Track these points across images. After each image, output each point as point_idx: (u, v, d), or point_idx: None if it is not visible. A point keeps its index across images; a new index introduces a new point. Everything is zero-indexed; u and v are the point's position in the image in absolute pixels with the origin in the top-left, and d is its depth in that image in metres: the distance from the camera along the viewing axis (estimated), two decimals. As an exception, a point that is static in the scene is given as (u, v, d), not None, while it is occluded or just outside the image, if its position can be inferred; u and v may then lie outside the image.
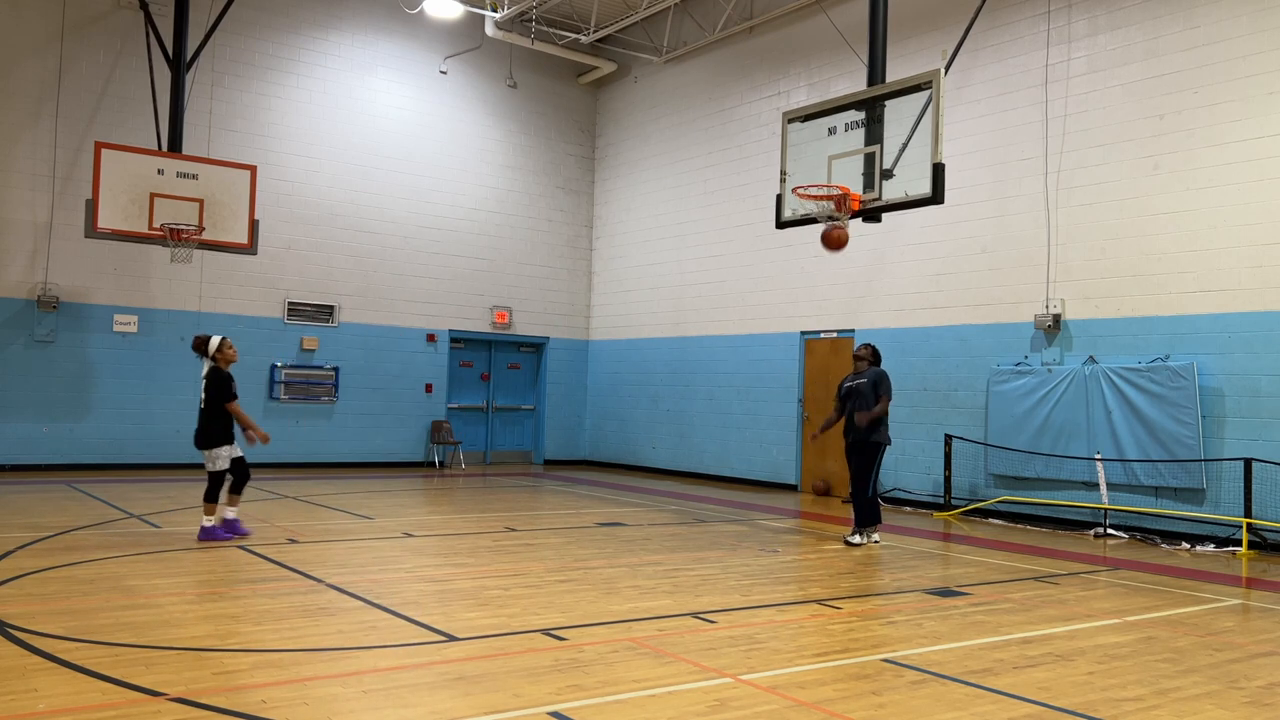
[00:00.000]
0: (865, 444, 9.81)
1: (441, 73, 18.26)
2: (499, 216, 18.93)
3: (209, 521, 8.62)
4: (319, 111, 17.00)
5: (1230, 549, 10.12)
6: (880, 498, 13.74)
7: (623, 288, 19.26)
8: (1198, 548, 10.29)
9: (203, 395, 8.62)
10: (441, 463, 17.96)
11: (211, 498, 8.68)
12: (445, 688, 4.64)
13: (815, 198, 10.16)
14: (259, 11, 16.42)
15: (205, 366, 8.67)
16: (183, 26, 14.13)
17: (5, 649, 5.01)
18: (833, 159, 10.34)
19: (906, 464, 13.68)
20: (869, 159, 10.09)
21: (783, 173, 10.84)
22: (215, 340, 8.67)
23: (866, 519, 9.85)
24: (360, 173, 17.36)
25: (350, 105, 17.32)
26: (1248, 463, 10.12)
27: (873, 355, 10.16)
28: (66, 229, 14.67)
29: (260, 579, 7.06)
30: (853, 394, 9.97)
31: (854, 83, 13.79)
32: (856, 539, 9.78)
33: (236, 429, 8.78)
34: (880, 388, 9.85)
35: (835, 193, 10.07)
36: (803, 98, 15.26)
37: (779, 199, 10.86)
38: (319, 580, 7.10)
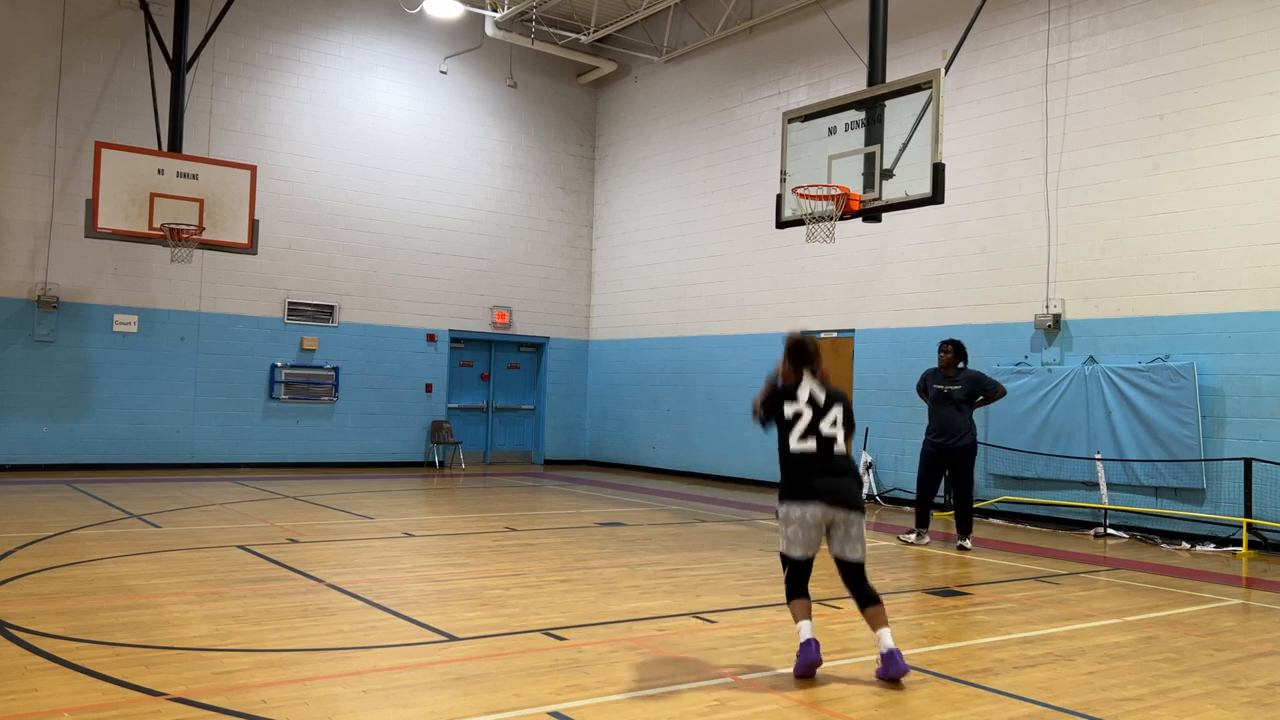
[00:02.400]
0: (968, 448, 9.72)
1: (441, 73, 18.26)
2: (499, 216, 18.93)
3: (888, 642, 4.89)
4: (319, 111, 17.00)
5: (1230, 549, 10.12)
6: (882, 497, 13.84)
7: (623, 288, 19.26)
8: (1198, 548, 10.29)
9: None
10: (441, 463, 17.96)
11: (793, 591, 5.11)
12: (445, 688, 4.64)
13: (815, 197, 10.16)
14: (259, 11, 16.41)
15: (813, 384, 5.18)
16: (183, 26, 14.12)
17: (5, 649, 5.01)
18: (833, 159, 10.34)
19: (907, 464, 13.66)
20: (869, 159, 10.09)
21: (783, 173, 10.84)
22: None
23: (961, 522, 9.81)
24: (360, 173, 17.36)
25: (350, 105, 17.32)
26: (1248, 463, 10.12)
27: (956, 352, 9.85)
28: (66, 229, 14.67)
29: (260, 579, 7.06)
30: (943, 399, 9.74)
31: (854, 83, 13.78)
32: (967, 543, 9.72)
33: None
34: (980, 390, 9.71)
35: (835, 193, 10.07)
36: (803, 98, 15.25)
37: (779, 199, 10.86)
38: (319, 580, 7.10)
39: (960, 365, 9.90)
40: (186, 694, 4.36)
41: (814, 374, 5.18)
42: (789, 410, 5.10)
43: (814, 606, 4.93)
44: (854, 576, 5.03)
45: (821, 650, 4.96)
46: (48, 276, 14.63)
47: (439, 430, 17.98)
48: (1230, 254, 10.62)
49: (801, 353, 5.23)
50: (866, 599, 5.01)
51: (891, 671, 4.81)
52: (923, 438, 10.12)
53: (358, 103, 17.39)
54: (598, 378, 19.77)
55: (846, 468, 5.09)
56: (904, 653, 4.85)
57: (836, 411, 5.11)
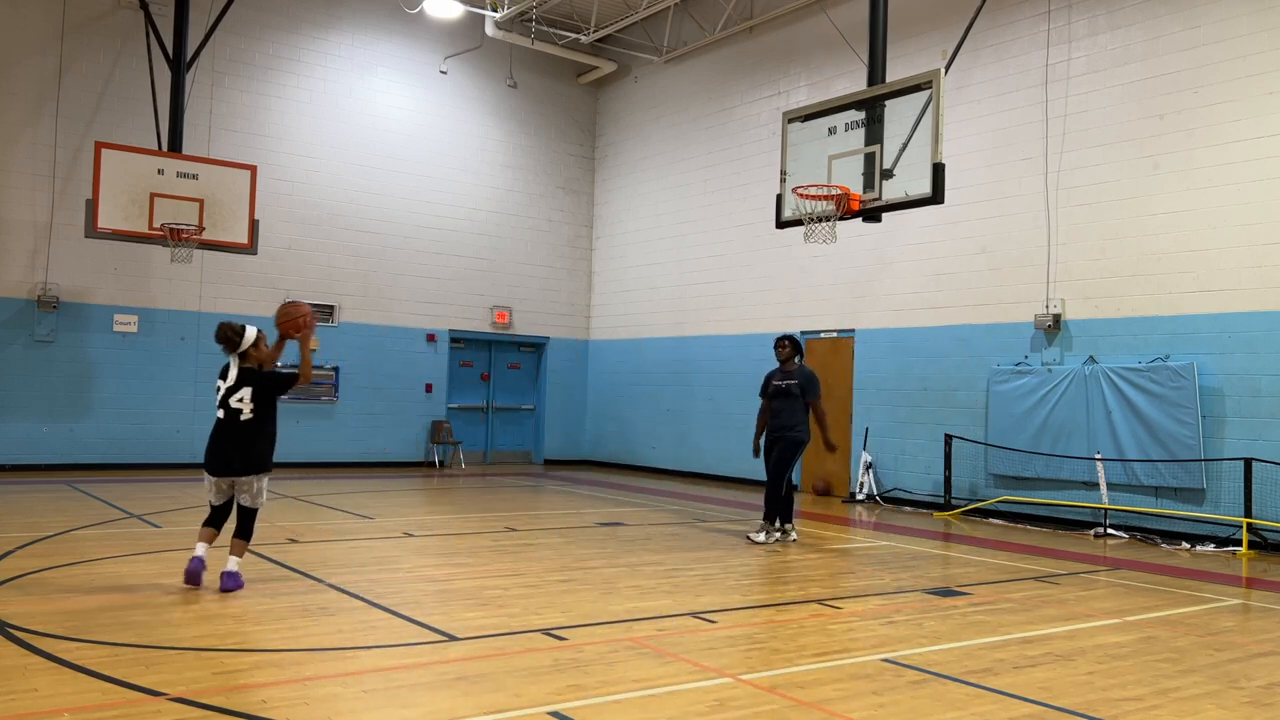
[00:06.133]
0: (787, 439, 9.74)
1: (441, 73, 18.26)
2: (499, 216, 18.93)
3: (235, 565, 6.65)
4: (319, 111, 17.00)
5: (1230, 549, 10.12)
6: (882, 497, 13.83)
7: (623, 288, 19.26)
8: (1198, 548, 10.29)
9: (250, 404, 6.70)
10: (441, 462, 17.96)
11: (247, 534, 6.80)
12: (445, 688, 4.64)
13: (815, 197, 10.16)
14: (259, 11, 16.41)
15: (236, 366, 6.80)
16: (183, 26, 14.12)
17: (5, 649, 5.01)
18: (833, 159, 10.33)
19: (906, 464, 13.67)
20: (869, 159, 10.08)
21: (783, 172, 10.84)
22: (252, 333, 6.85)
23: (778, 513, 9.80)
24: (360, 173, 17.36)
25: (350, 105, 17.32)
26: (1248, 463, 10.12)
27: (793, 348, 9.99)
28: (66, 229, 14.66)
29: (260, 579, 7.06)
30: (780, 394, 9.87)
31: (854, 83, 13.77)
32: (760, 536, 9.69)
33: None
34: (810, 391, 9.79)
35: (835, 193, 10.06)
36: (803, 98, 15.25)
37: (779, 199, 10.85)
38: (319, 580, 7.10)
39: (797, 361, 10.02)
40: (186, 694, 4.36)
41: (242, 357, 6.80)
42: (221, 385, 6.76)
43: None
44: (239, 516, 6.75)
45: (204, 566, 6.52)
46: (48, 276, 14.63)
47: (439, 430, 17.97)
48: (1230, 254, 10.62)
49: (221, 338, 6.84)
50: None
51: (227, 584, 6.47)
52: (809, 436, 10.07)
53: (358, 103, 17.38)
54: (598, 378, 19.77)
55: (245, 436, 6.64)
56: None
57: (246, 390, 6.67)
